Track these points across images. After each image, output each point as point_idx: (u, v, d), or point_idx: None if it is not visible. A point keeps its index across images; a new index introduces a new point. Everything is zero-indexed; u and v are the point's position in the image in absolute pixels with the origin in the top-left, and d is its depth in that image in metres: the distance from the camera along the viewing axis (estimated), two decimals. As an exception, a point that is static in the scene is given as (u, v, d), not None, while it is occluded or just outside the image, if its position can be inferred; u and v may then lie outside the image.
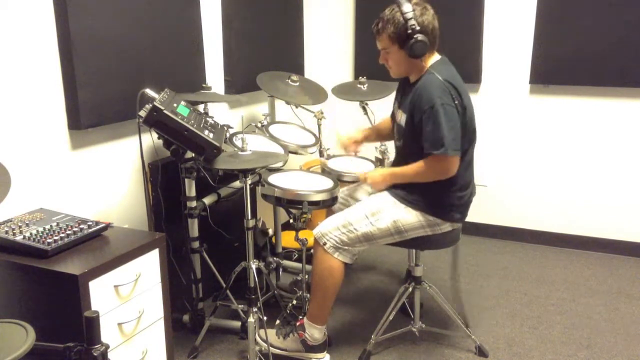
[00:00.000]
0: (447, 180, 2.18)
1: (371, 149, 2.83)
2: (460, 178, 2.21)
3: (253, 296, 2.26)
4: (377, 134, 2.63)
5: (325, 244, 2.26)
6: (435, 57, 2.23)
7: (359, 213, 2.29)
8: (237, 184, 2.68)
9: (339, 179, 2.57)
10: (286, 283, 2.94)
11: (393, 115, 2.50)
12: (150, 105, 1.99)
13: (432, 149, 2.10)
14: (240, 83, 3.09)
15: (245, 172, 2.12)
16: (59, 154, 2.16)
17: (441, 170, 2.14)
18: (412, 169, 2.20)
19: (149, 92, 2.10)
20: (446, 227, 2.28)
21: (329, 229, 2.27)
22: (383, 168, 2.41)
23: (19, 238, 1.76)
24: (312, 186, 2.40)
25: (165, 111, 1.99)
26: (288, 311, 2.55)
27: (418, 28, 2.10)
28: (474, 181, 2.34)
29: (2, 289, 1.79)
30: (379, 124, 2.71)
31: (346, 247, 2.27)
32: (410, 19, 2.09)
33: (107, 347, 1.43)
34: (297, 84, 3.02)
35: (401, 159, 2.33)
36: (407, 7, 2.10)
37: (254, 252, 2.29)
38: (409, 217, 2.24)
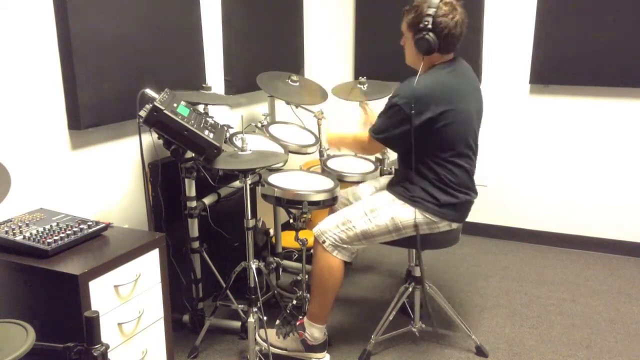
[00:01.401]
0: (442, 179, 2.20)
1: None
2: (453, 178, 2.21)
3: (253, 296, 2.26)
4: None
5: (324, 242, 2.27)
6: (444, 61, 2.22)
7: (358, 210, 2.29)
8: (237, 184, 2.68)
9: (339, 179, 2.58)
10: (286, 283, 2.94)
11: None
12: (150, 105, 1.99)
13: (371, 127, 2.29)
14: (240, 83, 3.09)
15: (245, 172, 2.12)
16: (59, 154, 2.16)
17: (367, 147, 2.38)
18: (353, 136, 2.47)
19: (149, 92, 2.10)
20: (444, 226, 2.28)
21: (328, 227, 2.28)
22: (341, 133, 2.64)
23: (19, 238, 1.76)
24: (312, 186, 2.40)
25: (165, 111, 1.99)
26: (288, 311, 2.55)
27: (430, 26, 2.10)
28: (474, 183, 2.33)
29: (2, 289, 1.79)
30: None
31: (345, 245, 2.27)
32: (429, 15, 2.09)
33: (107, 347, 1.44)
34: (297, 84, 3.02)
35: (401, 158, 2.36)
36: (434, 2, 2.11)
37: (254, 252, 2.29)
38: (406, 214, 2.24)
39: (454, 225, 2.32)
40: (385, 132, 2.22)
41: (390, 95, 2.21)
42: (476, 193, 2.33)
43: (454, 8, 2.13)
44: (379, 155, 2.79)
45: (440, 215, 2.24)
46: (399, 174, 2.39)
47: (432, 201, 2.22)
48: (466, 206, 2.32)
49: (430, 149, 2.18)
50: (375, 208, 2.28)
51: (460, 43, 2.20)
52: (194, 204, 2.45)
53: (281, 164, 2.42)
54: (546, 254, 3.59)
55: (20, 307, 1.78)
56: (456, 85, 2.19)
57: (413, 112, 2.10)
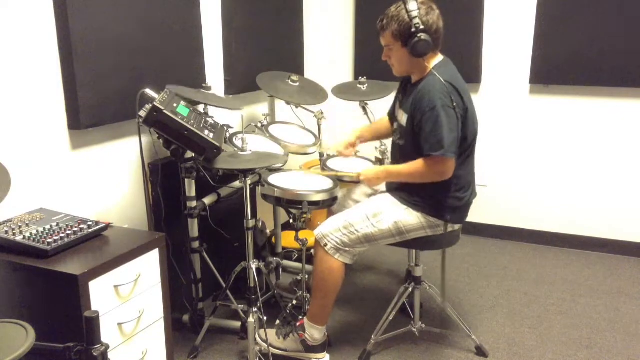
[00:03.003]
0: (448, 182, 2.17)
1: (371, 149, 2.83)
2: (462, 179, 2.21)
3: (253, 296, 2.26)
4: (372, 134, 2.63)
5: (326, 245, 2.26)
6: (438, 58, 2.23)
7: (360, 214, 2.28)
8: (237, 184, 2.68)
9: (338, 179, 2.57)
10: (286, 283, 2.94)
11: (392, 114, 2.50)
12: (150, 105, 1.99)
13: (431, 151, 2.09)
14: (241, 83, 3.09)
15: (245, 172, 2.12)
16: (59, 154, 2.16)
17: (438, 171, 2.14)
18: (409, 169, 2.20)
19: (149, 92, 2.11)
20: (446, 228, 2.28)
21: (330, 230, 2.27)
22: (377, 166, 2.41)
23: (19, 238, 1.76)
24: (312, 186, 2.40)
25: (165, 111, 1.99)
26: (288, 311, 2.55)
27: (422, 27, 2.10)
28: (475, 183, 2.33)
29: (2, 289, 1.79)
30: (374, 124, 2.72)
31: (347, 249, 2.27)
32: (415, 17, 2.09)
33: (107, 347, 1.44)
34: (297, 84, 3.02)
35: (400, 158, 2.33)
36: (412, 6, 2.10)
37: (254, 252, 2.29)
38: (410, 218, 2.24)
39: (456, 227, 2.33)
40: (455, 142, 2.09)
41: (426, 109, 2.08)
42: (475, 194, 2.34)
43: (430, 6, 2.16)
44: (378, 155, 2.79)
45: (443, 218, 2.24)
46: None
47: (435, 205, 2.22)
48: (468, 206, 2.32)
49: None
50: (378, 212, 2.27)
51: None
52: (194, 204, 2.45)
53: (281, 164, 2.42)
54: (546, 254, 3.59)
55: (20, 307, 1.78)
56: (462, 79, 2.21)
57: (455, 104, 2.07)
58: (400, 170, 2.24)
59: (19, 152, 2.00)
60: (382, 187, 2.47)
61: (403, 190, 2.28)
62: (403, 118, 2.25)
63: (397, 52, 2.20)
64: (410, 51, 2.14)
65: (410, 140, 2.24)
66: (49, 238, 1.77)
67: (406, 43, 2.13)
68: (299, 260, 2.87)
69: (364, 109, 3.02)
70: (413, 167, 2.17)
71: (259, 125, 2.83)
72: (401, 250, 2.84)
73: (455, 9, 3.47)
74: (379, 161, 2.80)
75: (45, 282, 1.71)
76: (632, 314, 2.85)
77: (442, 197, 2.21)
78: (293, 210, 2.45)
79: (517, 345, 2.56)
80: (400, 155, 2.36)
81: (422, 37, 2.10)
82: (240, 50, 3.08)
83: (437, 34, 2.15)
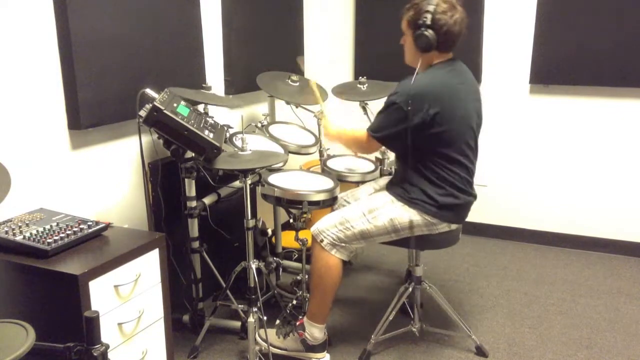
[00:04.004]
0: (441, 181, 2.19)
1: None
2: (451, 180, 2.20)
3: (253, 296, 2.26)
4: None
5: (322, 240, 2.27)
6: (444, 58, 2.22)
7: (356, 211, 2.29)
8: (237, 184, 2.68)
9: (339, 179, 2.58)
10: (286, 283, 2.94)
11: None
12: (150, 105, 1.99)
13: (369, 127, 2.27)
14: (240, 83, 3.09)
15: (245, 172, 2.12)
16: (59, 154, 2.16)
17: (362, 144, 2.33)
18: (352, 134, 2.39)
19: (149, 92, 2.11)
20: (443, 227, 2.28)
21: (326, 226, 2.28)
22: (336, 125, 2.52)
23: (19, 238, 1.76)
24: (312, 186, 2.40)
25: (165, 111, 1.99)
26: (288, 311, 2.55)
27: (429, 23, 2.11)
28: (472, 184, 2.32)
29: (2, 289, 1.79)
30: None
31: (343, 244, 2.27)
32: (428, 12, 2.11)
33: (107, 347, 1.44)
34: (297, 84, 3.02)
35: (396, 155, 2.38)
36: (434, 0, 2.12)
37: (254, 252, 2.29)
38: (405, 215, 2.24)
39: (453, 227, 2.32)
40: (383, 131, 2.22)
41: (388, 94, 2.20)
42: (476, 195, 2.33)
43: (453, 6, 2.14)
44: (379, 155, 2.79)
45: (439, 217, 2.24)
46: (398, 175, 2.39)
47: (431, 203, 2.22)
48: (465, 207, 2.31)
49: (428, 149, 2.18)
50: (374, 209, 2.28)
51: (458, 42, 2.20)
52: (194, 204, 2.45)
53: (281, 164, 2.43)
54: (546, 254, 3.59)
55: (20, 307, 1.78)
56: (456, 85, 2.19)
57: (410, 109, 2.10)
58: (347, 134, 2.43)
59: (19, 152, 2.00)
60: (382, 185, 2.48)
61: (399, 187, 2.29)
62: None
63: (408, 40, 2.24)
64: (414, 42, 2.16)
65: None
66: (49, 238, 1.77)
67: (414, 33, 2.16)
68: (299, 260, 2.87)
69: (364, 109, 3.02)
70: (356, 134, 2.35)
71: (259, 125, 2.83)
72: (401, 250, 2.83)
73: (455, 9, 3.48)
74: (379, 161, 2.80)
75: (45, 282, 1.71)
76: (632, 314, 2.85)
77: (436, 195, 2.21)
78: (293, 210, 2.45)
79: (517, 345, 2.56)
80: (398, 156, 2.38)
81: (425, 33, 2.11)
82: (240, 50, 3.08)
83: (447, 35, 2.14)
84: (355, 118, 3.15)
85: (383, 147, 2.77)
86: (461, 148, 2.20)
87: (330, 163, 2.79)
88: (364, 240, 2.29)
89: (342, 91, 3.11)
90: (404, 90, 2.13)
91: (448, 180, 2.20)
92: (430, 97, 2.10)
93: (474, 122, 2.24)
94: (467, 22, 2.19)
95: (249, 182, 2.14)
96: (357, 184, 2.71)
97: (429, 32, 2.11)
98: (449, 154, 2.18)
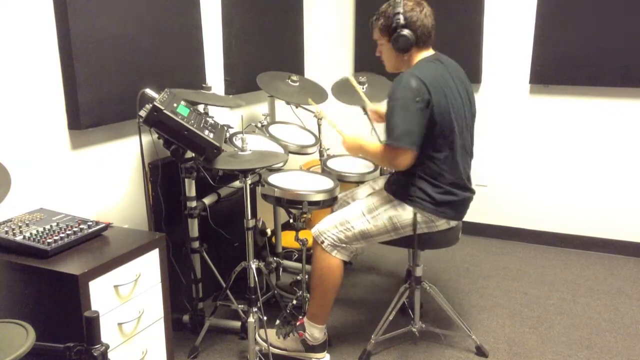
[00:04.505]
0: (438, 178, 2.18)
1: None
2: (448, 176, 2.20)
3: (253, 296, 2.26)
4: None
5: (323, 242, 2.27)
6: (426, 54, 2.23)
7: (356, 211, 2.29)
8: (237, 184, 2.68)
9: (339, 179, 2.57)
10: (286, 283, 2.94)
11: None
12: (150, 105, 1.99)
13: (386, 139, 2.15)
14: (240, 83, 3.09)
15: (245, 172, 2.12)
16: (59, 154, 2.16)
17: (390, 159, 2.17)
18: (374, 150, 2.26)
19: (149, 92, 2.11)
20: (442, 224, 2.28)
21: (326, 227, 2.28)
22: (356, 138, 2.39)
23: (19, 238, 1.76)
24: (312, 186, 2.40)
25: (165, 111, 1.99)
26: (288, 311, 2.55)
27: (402, 23, 2.13)
28: (469, 180, 2.32)
29: (2, 289, 1.79)
30: None
31: (343, 245, 2.27)
32: (398, 13, 2.14)
33: (107, 347, 1.44)
34: (297, 84, 3.02)
35: None
36: (399, 2, 2.15)
37: (254, 252, 2.29)
38: (404, 213, 2.24)
39: (452, 223, 2.32)
40: (414, 135, 2.10)
41: (389, 101, 2.12)
42: (474, 190, 2.33)
43: (419, 3, 2.18)
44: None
45: (438, 214, 2.24)
46: (396, 173, 2.39)
47: (429, 200, 2.21)
48: (464, 204, 2.31)
49: (425, 146, 2.16)
50: (374, 208, 2.28)
51: (434, 35, 2.22)
52: (194, 204, 2.46)
53: (281, 164, 2.42)
54: (546, 254, 3.59)
55: (20, 307, 1.78)
56: (446, 75, 2.19)
57: (418, 99, 2.06)
58: (368, 149, 2.31)
59: (19, 152, 2.00)
60: (380, 185, 2.48)
61: (398, 186, 2.28)
62: None
63: (385, 48, 2.26)
64: (393, 46, 2.18)
65: None
66: (49, 238, 1.77)
67: (390, 38, 2.18)
68: (299, 260, 2.87)
69: (364, 109, 3.02)
70: (377, 150, 2.24)
71: (259, 125, 2.83)
72: (401, 250, 2.84)
73: (455, 9, 3.48)
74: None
75: (45, 282, 1.71)
76: (632, 314, 2.85)
77: (434, 192, 2.20)
78: (293, 210, 2.45)
79: (517, 345, 2.56)
80: None
81: (402, 33, 2.14)
82: (240, 50, 3.08)
83: (422, 30, 2.16)
84: (355, 118, 3.15)
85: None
86: (458, 144, 2.19)
87: (330, 163, 2.79)
88: (365, 240, 2.29)
89: (342, 91, 3.10)
90: (404, 84, 2.09)
91: (445, 177, 2.20)
92: (428, 85, 2.10)
93: (467, 114, 2.24)
94: (434, 15, 2.20)
95: (249, 182, 2.14)
96: (357, 184, 2.70)
97: (406, 31, 2.14)
98: (445, 148, 2.17)
